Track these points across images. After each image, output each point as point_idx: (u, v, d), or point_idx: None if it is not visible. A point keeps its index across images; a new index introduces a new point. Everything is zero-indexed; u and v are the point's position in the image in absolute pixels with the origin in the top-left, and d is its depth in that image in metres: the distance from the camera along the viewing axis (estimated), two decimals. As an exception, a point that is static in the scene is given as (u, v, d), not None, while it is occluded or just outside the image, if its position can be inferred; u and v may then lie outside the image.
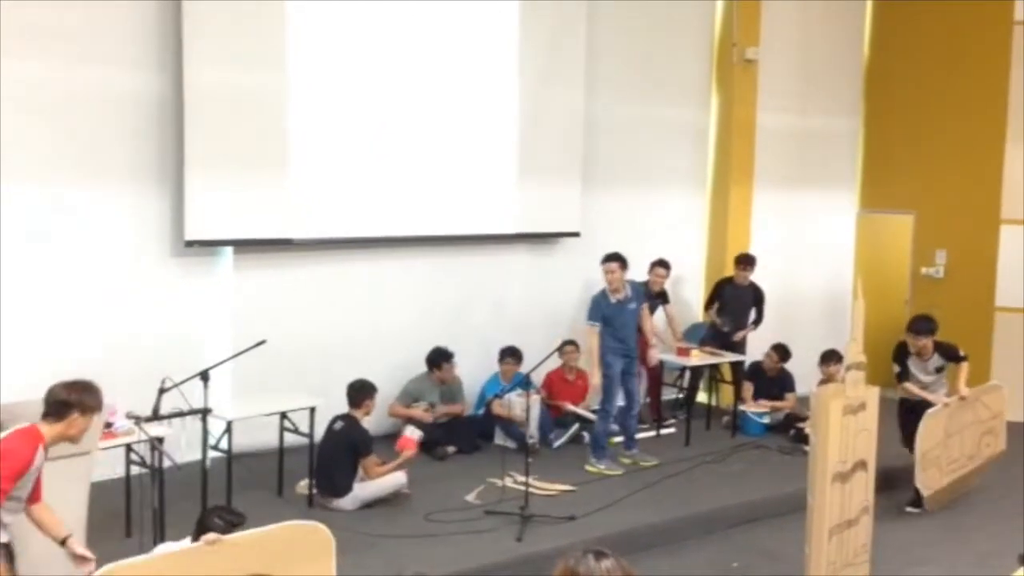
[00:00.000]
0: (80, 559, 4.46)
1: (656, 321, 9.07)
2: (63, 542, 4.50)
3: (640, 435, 8.53)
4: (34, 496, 4.55)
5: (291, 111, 7.76)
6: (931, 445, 7.49)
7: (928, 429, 7.44)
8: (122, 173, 7.24)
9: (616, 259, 8.01)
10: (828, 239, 11.36)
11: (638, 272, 8.95)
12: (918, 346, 7.61)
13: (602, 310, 7.99)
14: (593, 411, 8.60)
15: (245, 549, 4.22)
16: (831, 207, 11.40)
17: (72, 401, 4.44)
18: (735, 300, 9.70)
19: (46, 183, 6.91)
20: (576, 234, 9.44)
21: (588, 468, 8.04)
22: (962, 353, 7.75)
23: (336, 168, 8.04)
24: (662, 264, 9.35)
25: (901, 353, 7.74)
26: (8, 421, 5.01)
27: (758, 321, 9.79)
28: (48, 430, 4.43)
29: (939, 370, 7.74)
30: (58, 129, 6.92)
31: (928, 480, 7.51)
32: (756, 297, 9.74)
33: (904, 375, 7.73)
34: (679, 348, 9.20)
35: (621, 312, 8.02)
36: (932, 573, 6.38)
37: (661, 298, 9.57)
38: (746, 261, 9.71)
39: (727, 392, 9.81)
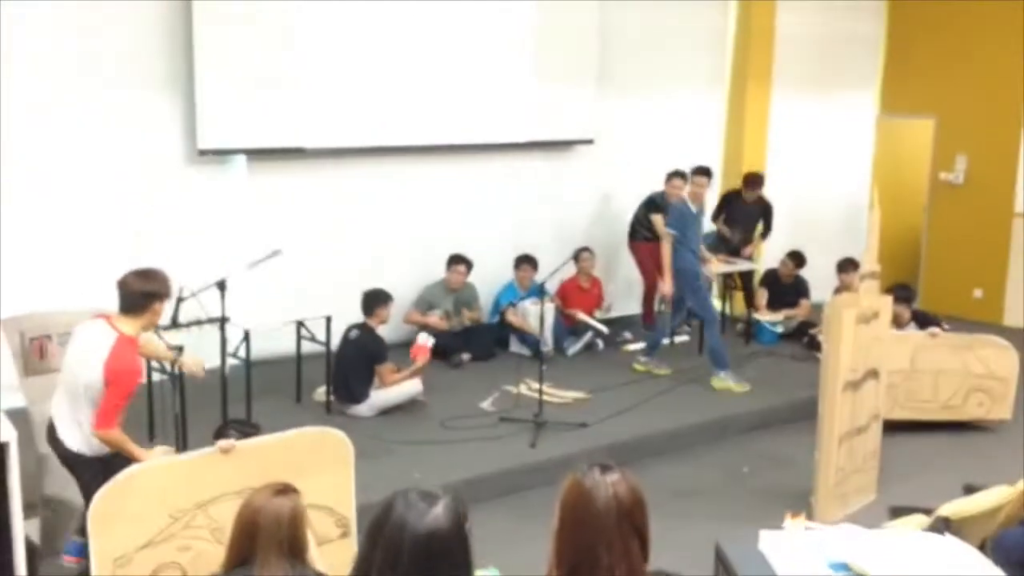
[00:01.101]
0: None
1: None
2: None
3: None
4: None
5: (303, 18, 7.64)
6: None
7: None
8: (134, 83, 7.18)
9: (706, 173, 7.99)
10: (847, 143, 11.18)
11: (655, 182, 8.89)
12: (892, 312, 7.47)
13: (686, 219, 7.88)
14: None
15: (264, 454, 4.29)
16: (851, 110, 11.20)
17: (153, 291, 4.48)
18: (741, 214, 9.61)
19: (57, 93, 6.87)
20: (590, 142, 9.35)
21: (717, 383, 7.89)
22: (945, 326, 7.64)
23: (349, 76, 7.94)
24: (679, 175, 9.23)
25: None
26: (29, 331, 5.07)
27: (766, 234, 9.71)
28: (133, 327, 4.46)
29: None
30: (69, 39, 6.86)
31: None
32: (764, 211, 9.64)
33: None
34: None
35: (695, 223, 8.01)
36: (938, 479, 6.45)
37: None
38: (753, 181, 9.56)
39: (741, 300, 9.82)
